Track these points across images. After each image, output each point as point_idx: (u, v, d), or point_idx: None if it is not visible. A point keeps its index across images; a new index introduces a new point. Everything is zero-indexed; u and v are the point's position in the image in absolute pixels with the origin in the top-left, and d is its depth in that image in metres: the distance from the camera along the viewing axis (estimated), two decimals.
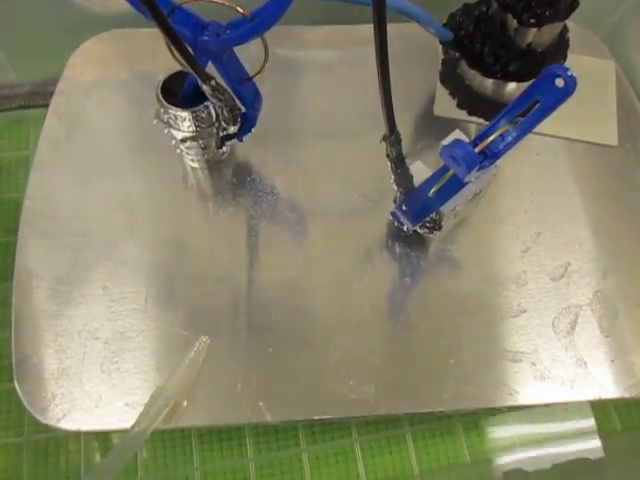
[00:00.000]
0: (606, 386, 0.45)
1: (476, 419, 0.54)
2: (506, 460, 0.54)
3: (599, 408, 0.56)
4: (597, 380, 0.45)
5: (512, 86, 0.53)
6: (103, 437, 0.52)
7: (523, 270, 0.49)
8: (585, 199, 0.53)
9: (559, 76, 0.33)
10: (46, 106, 0.55)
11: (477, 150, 0.37)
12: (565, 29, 0.51)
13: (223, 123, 0.45)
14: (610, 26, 0.65)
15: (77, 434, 0.51)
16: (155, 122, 0.45)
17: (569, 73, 0.33)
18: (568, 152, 0.55)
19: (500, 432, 0.55)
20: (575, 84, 0.33)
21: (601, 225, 0.52)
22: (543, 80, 0.34)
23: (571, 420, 0.55)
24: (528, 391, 0.45)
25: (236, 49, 0.41)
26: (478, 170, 0.38)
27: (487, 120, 0.55)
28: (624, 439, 0.56)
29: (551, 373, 0.45)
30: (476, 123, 0.56)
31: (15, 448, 0.51)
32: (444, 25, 0.51)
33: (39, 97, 0.61)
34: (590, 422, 0.55)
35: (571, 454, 0.54)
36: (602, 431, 0.55)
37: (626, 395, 0.45)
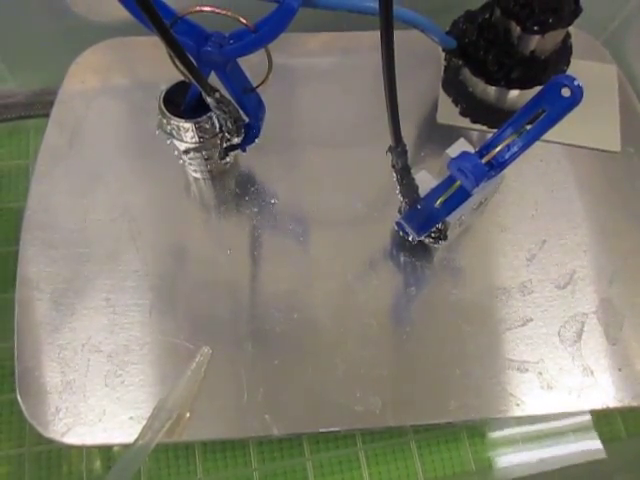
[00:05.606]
0: (614, 395, 0.45)
1: (481, 426, 0.54)
2: (512, 467, 0.54)
3: (603, 415, 0.55)
4: (604, 389, 0.45)
5: (515, 93, 0.53)
6: (106, 448, 0.51)
7: (528, 279, 0.49)
8: (589, 206, 0.53)
9: (565, 86, 0.33)
10: (46, 115, 0.55)
11: (484, 161, 0.37)
12: (568, 35, 0.51)
13: (227, 134, 0.44)
14: (611, 31, 0.64)
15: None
16: (157, 133, 0.45)
17: (576, 83, 0.32)
18: (571, 158, 0.55)
19: (506, 439, 0.54)
20: (582, 94, 0.33)
21: (606, 231, 0.51)
22: (549, 90, 0.34)
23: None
24: (535, 401, 0.45)
25: (238, 58, 0.41)
26: (485, 181, 0.38)
27: (490, 128, 0.55)
28: (629, 446, 0.55)
29: (558, 383, 0.45)
30: (479, 130, 0.55)
31: (17, 459, 0.51)
32: (447, 33, 0.51)
33: (38, 106, 0.61)
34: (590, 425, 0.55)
35: (574, 456, 0.54)
36: (606, 437, 0.54)
37: (634, 404, 0.45)
